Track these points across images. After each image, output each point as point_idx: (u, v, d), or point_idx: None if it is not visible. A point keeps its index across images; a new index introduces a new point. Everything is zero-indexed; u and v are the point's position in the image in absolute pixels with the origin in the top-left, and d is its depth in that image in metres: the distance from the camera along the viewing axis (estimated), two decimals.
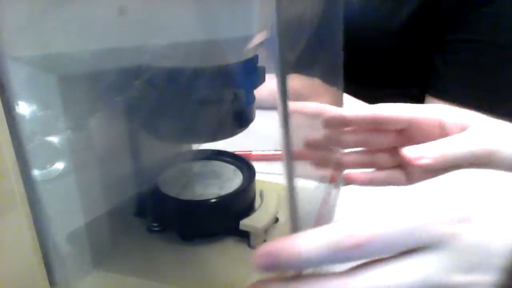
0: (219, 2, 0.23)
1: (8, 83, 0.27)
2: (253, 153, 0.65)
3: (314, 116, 0.40)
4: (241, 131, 0.32)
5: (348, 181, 0.41)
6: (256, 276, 0.34)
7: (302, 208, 0.25)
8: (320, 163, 0.41)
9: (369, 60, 0.78)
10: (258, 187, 0.40)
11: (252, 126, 0.33)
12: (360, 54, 0.73)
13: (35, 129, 0.29)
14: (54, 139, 0.30)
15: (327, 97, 0.46)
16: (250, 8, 0.23)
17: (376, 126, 0.38)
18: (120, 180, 0.38)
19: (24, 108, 0.28)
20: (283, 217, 0.41)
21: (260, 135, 0.69)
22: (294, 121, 0.24)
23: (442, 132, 0.38)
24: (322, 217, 0.41)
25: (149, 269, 0.35)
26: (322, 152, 0.40)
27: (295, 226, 0.25)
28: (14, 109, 0.28)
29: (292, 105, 0.25)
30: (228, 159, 0.42)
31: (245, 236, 0.38)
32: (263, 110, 0.38)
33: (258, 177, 0.40)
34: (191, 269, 0.35)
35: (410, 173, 0.39)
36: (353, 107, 0.39)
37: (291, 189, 0.24)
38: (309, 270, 0.24)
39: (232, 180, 0.39)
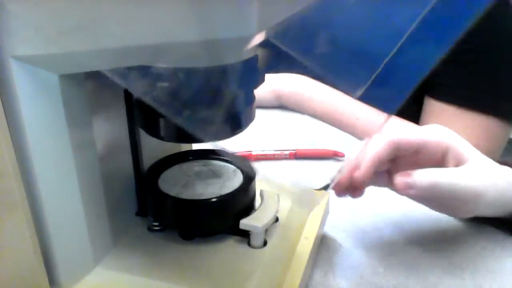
0: (218, 2, 0.23)
1: (8, 83, 0.27)
2: (253, 153, 0.65)
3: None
4: (241, 131, 0.32)
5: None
6: (256, 276, 0.34)
7: None
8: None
9: None
10: (258, 187, 0.41)
11: (252, 126, 0.33)
12: None
13: (35, 128, 0.29)
14: (54, 138, 0.30)
15: None
16: (250, 8, 0.23)
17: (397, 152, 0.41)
18: (120, 180, 0.38)
19: (24, 108, 0.28)
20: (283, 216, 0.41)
21: (260, 135, 0.69)
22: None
23: (443, 158, 0.41)
24: None
25: (150, 269, 0.35)
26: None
27: None
28: (14, 109, 0.28)
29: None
30: (228, 159, 0.42)
31: (245, 236, 0.38)
32: (263, 110, 0.38)
33: (258, 177, 0.40)
34: (191, 268, 0.35)
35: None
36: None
37: None
38: None
39: (232, 180, 0.39)
